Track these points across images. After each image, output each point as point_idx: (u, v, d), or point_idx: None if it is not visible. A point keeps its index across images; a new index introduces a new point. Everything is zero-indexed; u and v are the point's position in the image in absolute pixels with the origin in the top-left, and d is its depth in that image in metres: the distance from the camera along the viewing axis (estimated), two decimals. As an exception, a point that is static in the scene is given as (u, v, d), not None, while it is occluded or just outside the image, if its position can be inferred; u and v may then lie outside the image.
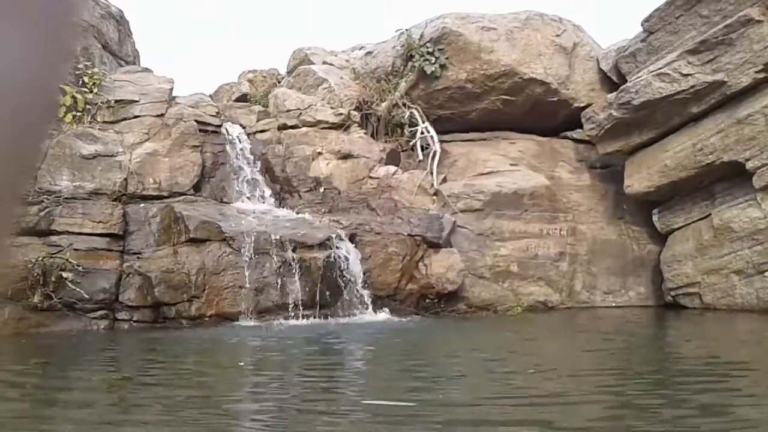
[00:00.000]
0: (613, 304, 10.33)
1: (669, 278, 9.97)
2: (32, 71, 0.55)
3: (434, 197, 10.29)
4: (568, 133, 11.84)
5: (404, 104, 11.45)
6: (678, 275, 9.82)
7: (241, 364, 5.39)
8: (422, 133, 11.23)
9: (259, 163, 10.21)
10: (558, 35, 11.65)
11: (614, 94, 10.23)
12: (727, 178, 9.24)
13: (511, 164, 11.01)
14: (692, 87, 9.11)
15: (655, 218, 10.38)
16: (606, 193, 11.11)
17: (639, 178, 10.20)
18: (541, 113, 11.61)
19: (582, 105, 11.28)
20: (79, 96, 9.22)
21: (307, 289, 8.01)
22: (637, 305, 10.31)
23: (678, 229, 10.02)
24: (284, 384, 4.51)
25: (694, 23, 9.40)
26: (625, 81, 10.32)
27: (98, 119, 9.40)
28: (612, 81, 11.23)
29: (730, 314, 8.85)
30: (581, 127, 10.99)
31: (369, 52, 12.52)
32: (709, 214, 9.47)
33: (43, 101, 0.57)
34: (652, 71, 9.56)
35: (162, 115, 9.66)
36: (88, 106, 9.34)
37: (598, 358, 5.62)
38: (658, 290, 10.41)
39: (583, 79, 11.65)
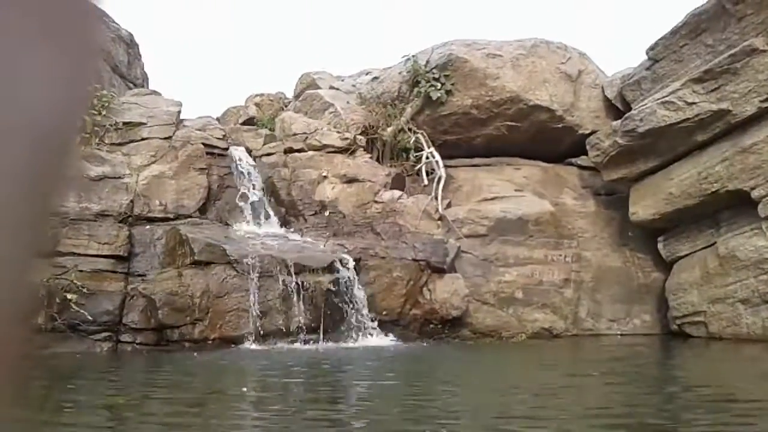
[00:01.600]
0: (618, 332, 10.25)
1: (674, 306, 9.91)
2: (59, 96, 0.55)
3: (439, 222, 10.29)
4: (573, 160, 11.86)
5: (410, 129, 11.51)
6: (683, 304, 9.76)
7: (244, 389, 5.36)
8: (427, 158, 11.27)
9: (264, 187, 10.25)
10: (563, 62, 11.73)
11: (619, 121, 10.26)
12: (733, 206, 9.22)
13: (516, 190, 11.02)
14: (697, 115, 9.14)
15: (660, 246, 10.34)
16: (611, 220, 11.09)
17: (644, 206, 10.19)
18: (545, 140, 11.64)
19: (587, 132, 11.31)
20: (87, 118, 9.28)
21: (311, 313, 7.98)
22: (642, 333, 10.23)
23: (683, 257, 9.98)
24: (286, 413, 4.46)
25: (699, 52, 9.47)
26: (630, 108, 10.37)
27: (106, 141, 9.48)
28: (617, 108, 11.28)
29: (736, 344, 8.76)
30: (586, 153, 11.01)
31: (375, 78, 12.61)
32: (715, 243, 9.43)
33: (70, 127, 0.57)
34: (657, 99, 9.60)
35: (169, 137, 9.73)
36: (96, 128, 9.42)
37: (608, 399, 5.53)
38: (663, 318, 10.34)
39: (588, 107, 11.70)
